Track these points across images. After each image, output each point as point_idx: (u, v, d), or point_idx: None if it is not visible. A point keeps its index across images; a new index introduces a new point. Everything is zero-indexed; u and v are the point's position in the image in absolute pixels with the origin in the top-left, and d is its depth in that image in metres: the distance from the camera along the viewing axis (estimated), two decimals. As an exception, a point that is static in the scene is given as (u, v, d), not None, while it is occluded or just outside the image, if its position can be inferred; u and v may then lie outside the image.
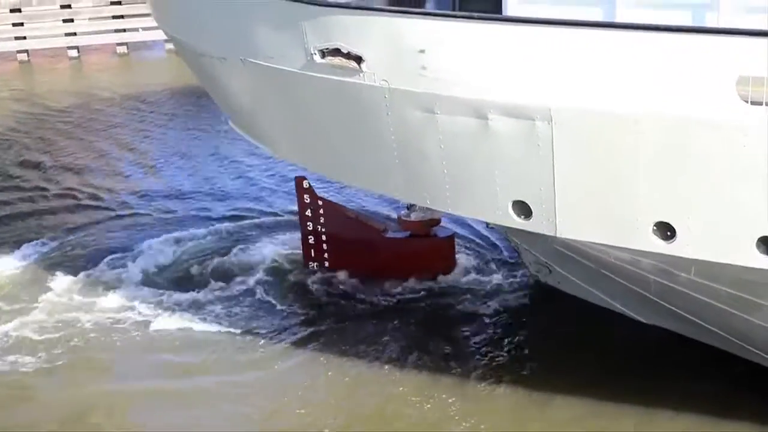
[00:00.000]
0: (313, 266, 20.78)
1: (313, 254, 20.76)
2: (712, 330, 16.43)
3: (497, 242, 21.37)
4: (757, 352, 16.15)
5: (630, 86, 12.03)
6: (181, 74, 40.61)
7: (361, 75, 13.56)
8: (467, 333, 18.68)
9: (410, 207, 19.75)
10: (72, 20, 47.21)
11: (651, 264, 14.70)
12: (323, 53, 13.80)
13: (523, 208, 13.47)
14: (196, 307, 19.72)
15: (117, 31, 47.56)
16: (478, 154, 13.32)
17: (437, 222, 19.97)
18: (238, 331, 18.83)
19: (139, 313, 19.56)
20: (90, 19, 47.44)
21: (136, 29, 47.16)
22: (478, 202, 13.79)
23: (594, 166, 12.65)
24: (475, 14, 12.67)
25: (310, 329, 18.81)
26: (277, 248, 21.96)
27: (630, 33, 11.91)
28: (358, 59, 13.48)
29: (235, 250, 22.03)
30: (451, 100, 13.05)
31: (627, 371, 16.99)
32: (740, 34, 11.44)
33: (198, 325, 19.06)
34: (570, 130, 12.48)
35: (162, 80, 41.86)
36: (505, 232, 19.41)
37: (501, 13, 14.23)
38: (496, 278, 20.30)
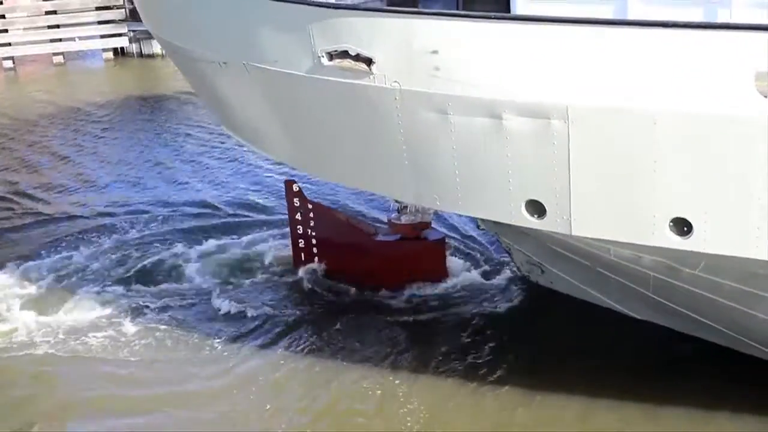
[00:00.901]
0: (303, 269, 20.62)
1: (303, 257, 20.63)
2: (711, 325, 16.59)
3: (488, 244, 21.39)
4: (756, 345, 16.33)
5: (648, 83, 12.08)
6: (120, 84, 40.39)
7: (371, 77, 13.47)
8: (456, 335, 18.66)
9: (401, 210, 19.69)
10: (6, 30, 46.44)
11: (654, 261, 14.81)
12: (331, 56, 13.68)
13: (536, 208, 13.47)
14: (162, 310, 19.73)
15: (53, 41, 46.87)
16: (492, 154, 13.28)
17: (428, 225, 19.93)
18: (200, 334, 18.87)
19: (104, 317, 19.46)
20: (25, 29, 46.67)
21: (72, 39, 46.52)
22: (490, 202, 13.76)
23: (610, 163, 12.68)
24: (491, 14, 12.65)
25: (288, 330, 18.93)
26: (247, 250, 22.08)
27: (647, 30, 11.96)
28: (368, 61, 13.39)
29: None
30: (464, 101, 13.01)
31: (621, 368, 17.07)
32: (758, 29, 11.54)
33: (160, 329, 18.98)
34: (587, 128, 12.50)
35: (101, 90, 41.38)
36: (496, 233, 19.43)
37: (508, 12, 14.25)
38: (487, 279, 20.29)
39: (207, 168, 29.33)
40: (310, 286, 20.44)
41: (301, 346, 18.36)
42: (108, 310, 19.78)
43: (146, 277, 21.23)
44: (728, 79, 11.72)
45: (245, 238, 22.81)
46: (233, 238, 22.93)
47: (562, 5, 13.09)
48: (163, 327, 19.12)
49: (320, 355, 18.04)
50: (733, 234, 12.55)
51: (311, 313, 19.71)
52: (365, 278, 20.04)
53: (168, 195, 26.92)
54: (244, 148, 28.73)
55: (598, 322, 18.52)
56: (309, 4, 13.71)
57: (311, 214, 20.29)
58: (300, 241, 20.52)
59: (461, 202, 14.03)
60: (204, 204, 25.82)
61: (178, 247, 22.52)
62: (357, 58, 13.46)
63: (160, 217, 24.85)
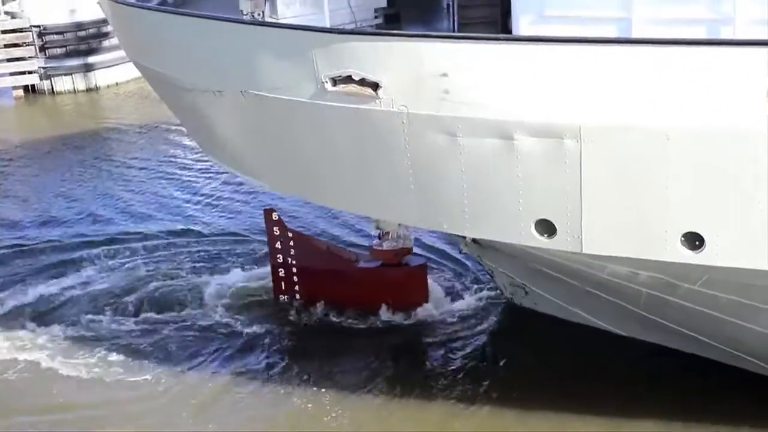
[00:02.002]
0: (284, 299, 20.45)
1: (283, 287, 20.46)
2: (702, 339, 16.81)
3: (470, 267, 21.42)
4: (748, 359, 16.60)
5: (660, 100, 12.27)
6: (32, 121, 39.29)
7: (378, 101, 13.42)
8: (436, 359, 18.78)
9: (382, 236, 19.64)
10: None
11: (651, 277, 14.95)
12: (335, 81, 13.61)
13: (547, 227, 13.53)
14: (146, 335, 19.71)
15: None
16: (502, 175, 13.33)
17: (409, 251, 19.92)
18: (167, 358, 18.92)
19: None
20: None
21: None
22: (498, 223, 13.79)
23: (623, 180, 12.81)
24: (501, 36, 12.74)
25: (271, 358, 18.94)
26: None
27: (658, 48, 12.16)
28: (375, 85, 13.35)
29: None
30: (474, 123, 13.04)
31: (607, 386, 17.27)
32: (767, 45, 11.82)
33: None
34: (600, 146, 12.63)
35: (9, 128, 40.20)
36: (479, 255, 19.47)
37: (506, 29, 14.39)
38: (469, 303, 20.40)
39: (161, 196, 28.94)
40: (289, 314, 20.28)
41: (276, 372, 18.39)
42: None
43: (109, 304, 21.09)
44: (741, 95, 11.95)
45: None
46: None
47: (565, 26, 13.16)
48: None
49: (295, 381, 18.01)
50: (745, 247, 12.76)
51: (289, 339, 19.68)
52: (347, 305, 19.93)
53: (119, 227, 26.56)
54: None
55: (581, 342, 18.66)
56: (313, 30, 13.64)
57: (291, 243, 20.12)
58: (280, 269, 20.35)
59: (468, 225, 14.03)
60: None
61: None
62: (363, 82, 13.41)
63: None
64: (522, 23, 13.57)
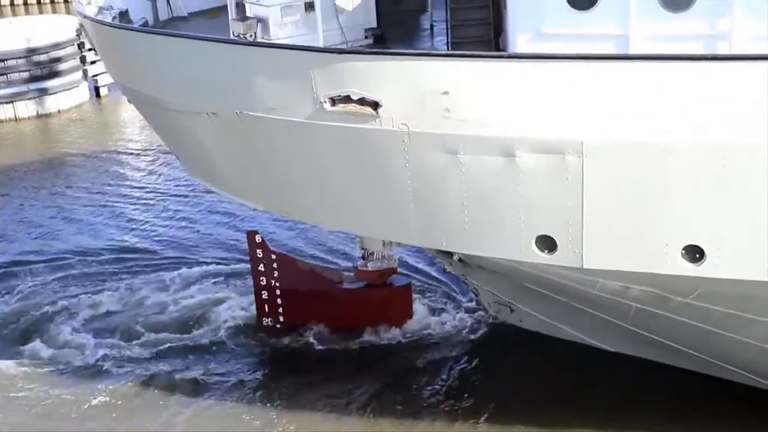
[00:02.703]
0: (267, 321, 20.30)
1: (267, 309, 20.30)
2: (687, 352, 16.98)
3: (454, 286, 21.45)
4: (735, 370, 16.79)
5: (660, 116, 12.45)
6: None
7: (378, 120, 13.44)
8: (424, 378, 18.72)
9: (366, 257, 19.60)
10: None
11: (643, 291, 15.10)
12: (334, 101, 13.61)
13: (547, 243, 13.63)
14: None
15: None
16: (503, 192, 13.41)
17: (394, 271, 19.90)
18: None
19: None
20: None
21: None
22: (499, 240, 13.86)
23: (624, 195, 12.97)
24: (503, 53, 12.84)
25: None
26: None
27: (658, 64, 12.35)
28: (375, 105, 13.37)
29: None
30: (476, 140, 13.12)
31: (592, 399, 17.46)
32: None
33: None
34: (601, 161, 12.77)
35: None
36: (463, 274, 19.52)
37: (498, 48, 14.51)
38: (454, 322, 20.42)
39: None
40: (272, 336, 20.15)
41: (260, 395, 18.33)
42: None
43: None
44: (742, 109, 12.17)
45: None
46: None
47: (563, 44, 13.31)
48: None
49: (279, 403, 17.99)
50: (745, 258, 12.95)
51: (273, 361, 19.63)
52: (331, 326, 19.85)
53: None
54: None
55: (566, 359, 18.73)
56: (313, 50, 13.64)
57: (275, 265, 19.99)
58: (263, 292, 20.19)
59: (469, 242, 14.09)
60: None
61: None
62: (363, 102, 13.42)
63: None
64: (519, 41, 13.66)
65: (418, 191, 13.89)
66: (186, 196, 28.93)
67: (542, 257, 13.78)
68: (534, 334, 19.37)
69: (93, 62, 40.98)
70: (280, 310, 20.28)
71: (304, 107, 13.84)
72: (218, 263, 23.64)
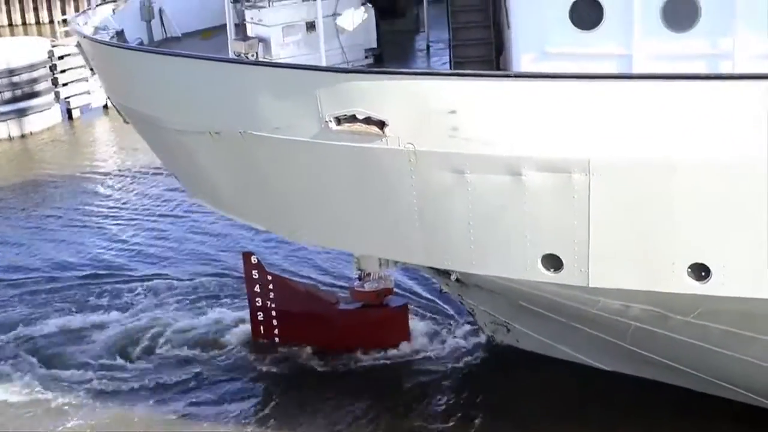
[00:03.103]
0: (263, 342, 20.21)
1: (262, 330, 20.23)
2: (684, 370, 17.03)
3: (450, 307, 21.45)
4: (732, 387, 16.86)
5: (666, 134, 12.54)
6: None
7: (384, 140, 13.46)
8: (420, 399, 18.66)
9: (363, 278, 19.57)
10: None
11: (643, 310, 15.15)
12: (339, 120, 13.63)
13: (553, 262, 13.67)
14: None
15: None
16: (509, 211, 13.45)
17: (390, 291, 19.87)
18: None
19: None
20: None
21: None
22: (505, 259, 13.88)
23: (631, 213, 13.03)
24: (511, 72, 12.91)
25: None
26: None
27: (664, 83, 12.46)
28: (381, 124, 13.39)
29: None
30: (483, 159, 13.16)
31: (589, 417, 17.43)
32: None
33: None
34: (608, 180, 12.83)
35: None
36: (460, 294, 19.53)
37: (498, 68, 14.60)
38: (450, 342, 20.37)
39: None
40: (268, 358, 20.02)
41: (257, 417, 18.24)
42: None
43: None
44: (748, 128, 12.28)
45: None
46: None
47: (567, 63, 13.42)
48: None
49: (276, 425, 17.90)
50: (750, 276, 13.03)
51: (269, 383, 19.40)
52: (328, 347, 19.78)
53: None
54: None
55: (561, 378, 18.74)
56: (319, 69, 13.67)
57: (271, 286, 19.93)
58: (259, 313, 20.13)
59: (474, 261, 14.10)
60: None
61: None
62: (369, 121, 13.44)
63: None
64: (523, 61, 13.75)
65: (424, 210, 13.89)
66: (166, 215, 29.15)
67: (548, 276, 13.81)
68: (530, 355, 19.39)
69: (65, 84, 41.03)
70: (276, 331, 20.20)
71: (309, 126, 13.84)
72: (192, 279, 23.76)
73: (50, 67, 40.67)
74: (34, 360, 20.36)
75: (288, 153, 14.29)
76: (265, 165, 14.76)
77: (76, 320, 21.95)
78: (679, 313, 14.93)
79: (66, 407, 18.74)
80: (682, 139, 12.55)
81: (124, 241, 27.27)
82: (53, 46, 41.13)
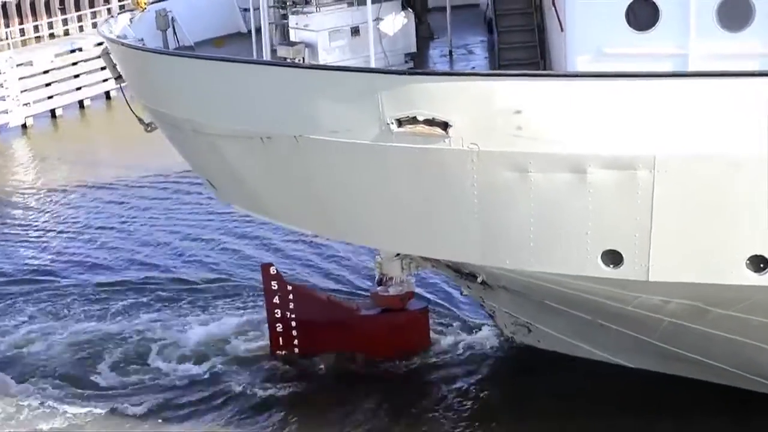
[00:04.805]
0: (281, 354, 20.14)
1: (281, 341, 20.13)
2: (714, 365, 17.44)
3: (470, 308, 21.64)
4: (763, 381, 17.30)
5: (730, 130, 12.93)
6: None
7: (447, 140, 13.62)
8: (443, 402, 18.79)
9: (385, 282, 19.66)
10: None
11: (681, 305, 15.51)
12: (400, 122, 13.75)
13: (613, 257, 13.93)
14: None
15: None
16: (571, 209, 13.69)
17: (412, 295, 20.00)
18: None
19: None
20: None
21: None
22: (565, 256, 14.10)
23: (693, 207, 13.37)
24: (577, 72, 13.16)
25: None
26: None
27: (732, 80, 12.84)
28: (444, 125, 13.54)
29: None
30: (548, 158, 13.39)
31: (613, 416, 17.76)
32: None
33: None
34: (672, 175, 13.16)
35: None
36: (480, 297, 19.75)
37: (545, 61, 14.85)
38: (469, 344, 20.57)
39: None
40: (288, 368, 19.99)
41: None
42: None
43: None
44: None
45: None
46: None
47: (623, 63, 13.71)
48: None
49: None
50: (808, 266, 13.48)
51: (291, 393, 19.32)
52: (349, 354, 19.82)
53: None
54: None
55: (590, 372, 19.02)
56: (381, 72, 13.76)
57: (290, 296, 19.87)
58: (278, 325, 20.02)
59: (533, 259, 14.30)
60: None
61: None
62: (432, 122, 13.58)
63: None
64: (579, 62, 14.02)
65: (484, 210, 14.06)
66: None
67: (607, 271, 14.07)
68: (550, 354, 19.66)
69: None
70: (296, 341, 20.12)
71: (369, 129, 13.92)
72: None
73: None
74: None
75: (345, 156, 14.34)
76: (319, 168, 14.77)
77: None
78: (721, 307, 15.32)
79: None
80: (744, 135, 12.92)
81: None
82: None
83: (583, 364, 19.21)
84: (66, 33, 54.46)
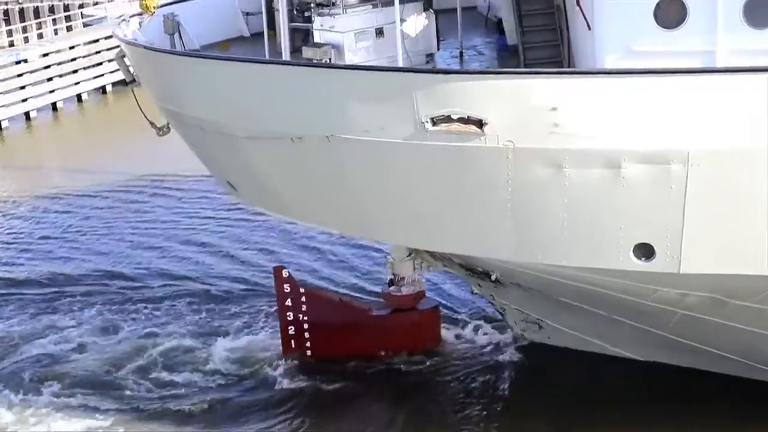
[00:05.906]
0: (294, 356, 20.16)
1: (293, 344, 20.15)
2: (727, 357, 17.80)
3: (481, 306, 21.81)
4: None
5: (761, 124, 13.26)
6: None
7: (482, 138, 13.80)
8: (454, 400, 18.98)
9: (397, 282, 19.79)
10: None
11: (700, 297, 15.84)
12: (434, 121, 13.91)
13: (645, 250, 14.20)
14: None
15: None
16: (605, 203, 13.95)
17: (424, 294, 20.15)
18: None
19: None
20: None
21: None
22: (597, 250, 14.35)
23: (725, 201, 13.70)
24: (612, 69, 13.43)
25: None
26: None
27: (761, 76, 13.17)
28: (480, 123, 13.73)
29: None
30: (583, 154, 13.64)
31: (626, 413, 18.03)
32: None
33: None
34: (705, 169, 13.47)
35: None
36: (491, 294, 19.94)
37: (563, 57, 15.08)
38: (479, 341, 20.77)
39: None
40: (298, 369, 20.01)
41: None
42: None
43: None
44: None
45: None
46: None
47: (651, 60, 13.99)
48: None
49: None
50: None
51: (305, 395, 19.38)
52: (361, 354, 19.89)
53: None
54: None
55: (595, 376, 19.25)
56: (416, 71, 13.90)
57: (303, 299, 19.91)
58: (290, 327, 20.03)
59: (566, 254, 14.53)
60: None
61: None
62: (467, 120, 13.76)
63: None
64: (608, 60, 14.28)
65: (518, 206, 14.27)
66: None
67: (639, 265, 14.34)
68: (560, 351, 19.89)
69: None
70: (308, 344, 20.16)
71: (403, 128, 14.07)
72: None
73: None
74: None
75: (378, 155, 14.47)
76: (351, 168, 14.88)
77: None
78: (739, 298, 15.67)
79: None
80: None
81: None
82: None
83: (594, 361, 19.42)
84: (11, 44, 53.64)
